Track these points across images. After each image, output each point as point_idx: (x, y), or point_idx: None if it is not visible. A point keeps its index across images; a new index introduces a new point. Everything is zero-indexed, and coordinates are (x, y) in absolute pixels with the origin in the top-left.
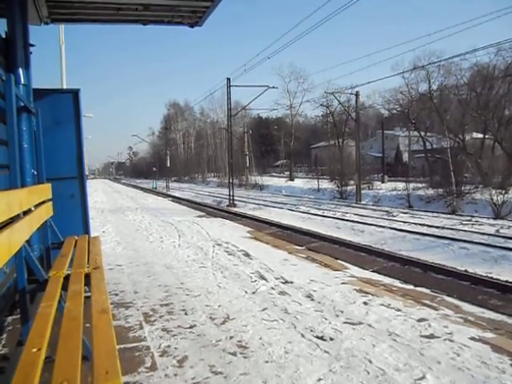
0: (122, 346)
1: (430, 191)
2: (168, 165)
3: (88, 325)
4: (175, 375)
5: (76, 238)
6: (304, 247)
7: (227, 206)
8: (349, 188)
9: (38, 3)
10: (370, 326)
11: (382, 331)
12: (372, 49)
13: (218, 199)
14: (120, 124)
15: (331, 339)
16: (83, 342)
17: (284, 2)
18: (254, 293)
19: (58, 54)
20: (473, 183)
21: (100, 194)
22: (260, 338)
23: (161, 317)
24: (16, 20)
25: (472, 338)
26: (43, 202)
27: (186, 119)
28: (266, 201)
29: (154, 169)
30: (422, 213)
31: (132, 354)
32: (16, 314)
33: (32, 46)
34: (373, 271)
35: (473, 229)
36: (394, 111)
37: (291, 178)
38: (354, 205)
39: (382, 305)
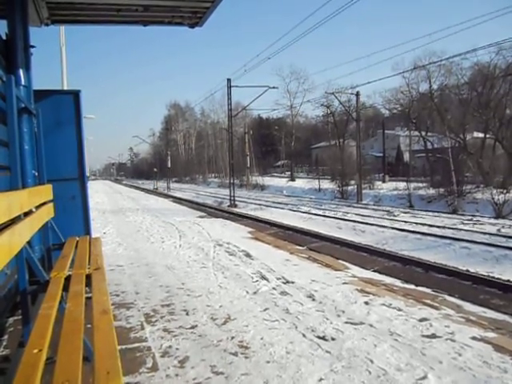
0: (123, 347)
1: (431, 191)
2: (169, 165)
3: (89, 326)
4: (176, 375)
5: (77, 238)
6: (305, 247)
7: (228, 206)
8: (350, 188)
9: (39, 5)
10: (371, 325)
11: (383, 331)
12: (372, 49)
13: (219, 200)
14: (121, 125)
15: (333, 339)
16: (84, 343)
17: (284, 2)
18: (255, 293)
19: (58, 55)
20: (474, 183)
21: (101, 194)
22: (261, 339)
23: (162, 317)
24: (16, 21)
25: (474, 338)
26: (44, 203)
27: (187, 120)
28: (267, 201)
29: (155, 169)
30: (423, 212)
31: (133, 354)
32: (17, 315)
33: (32, 47)
34: (374, 271)
35: (474, 228)
36: (395, 111)
37: (292, 179)
38: (355, 205)
39: (384, 305)
